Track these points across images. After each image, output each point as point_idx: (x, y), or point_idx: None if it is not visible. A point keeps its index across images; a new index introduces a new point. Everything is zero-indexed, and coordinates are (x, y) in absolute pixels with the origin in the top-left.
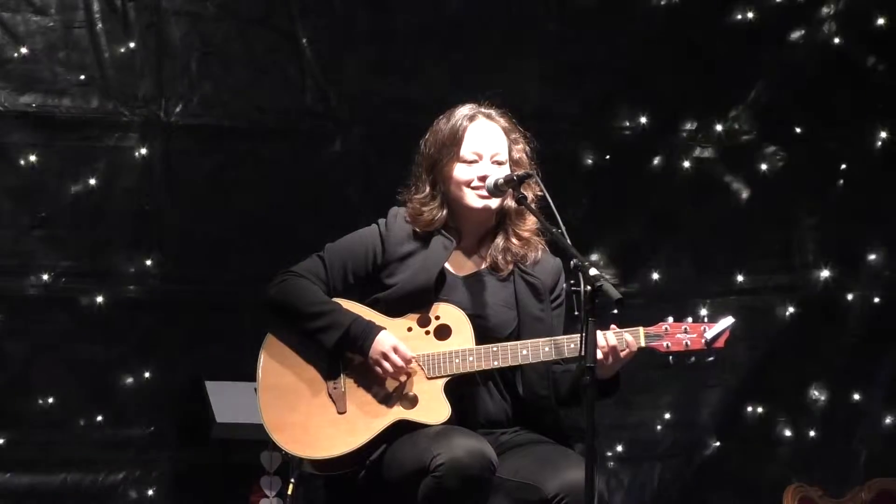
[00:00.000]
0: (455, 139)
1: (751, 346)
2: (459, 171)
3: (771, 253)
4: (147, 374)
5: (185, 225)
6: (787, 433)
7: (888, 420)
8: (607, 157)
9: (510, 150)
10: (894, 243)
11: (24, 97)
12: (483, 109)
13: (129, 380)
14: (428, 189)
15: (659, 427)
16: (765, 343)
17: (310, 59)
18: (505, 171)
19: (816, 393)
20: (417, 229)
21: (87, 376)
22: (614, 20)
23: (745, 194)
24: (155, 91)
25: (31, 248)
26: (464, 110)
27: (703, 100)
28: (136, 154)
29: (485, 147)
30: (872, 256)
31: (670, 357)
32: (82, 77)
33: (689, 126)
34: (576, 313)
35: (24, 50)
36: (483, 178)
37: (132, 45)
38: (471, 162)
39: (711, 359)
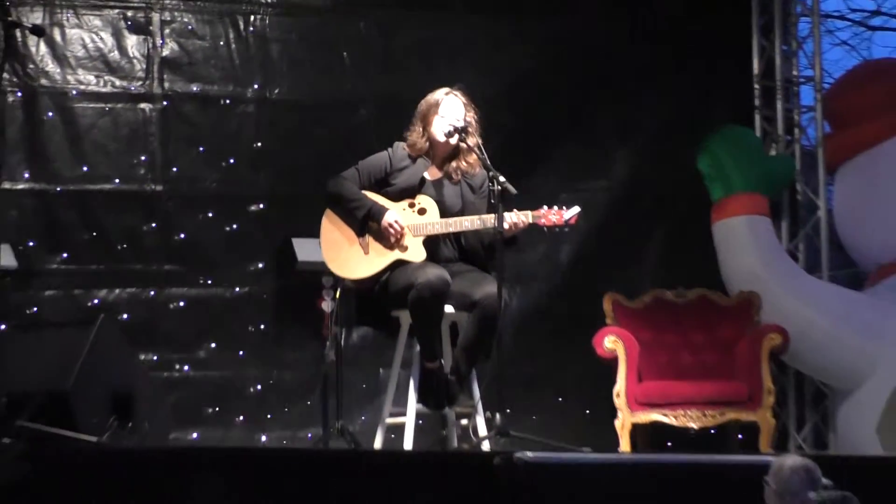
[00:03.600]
0: (436, 103)
1: (584, 223)
2: (436, 121)
3: (595, 169)
4: (261, 236)
5: (278, 155)
6: (603, 269)
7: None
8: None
9: (465, 116)
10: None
11: (191, 85)
12: (454, 91)
13: (253, 239)
14: (420, 129)
15: (536, 263)
16: (592, 221)
17: (347, 66)
18: (459, 125)
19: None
20: (411, 154)
21: (228, 241)
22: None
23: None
24: (263, 80)
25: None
26: (443, 90)
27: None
28: (254, 118)
29: (450, 111)
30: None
31: (545, 228)
32: (225, 73)
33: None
34: (492, 202)
35: (191, 61)
36: (447, 125)
37: (251, 54)
38: (442, 116)
39: (567, 229)
